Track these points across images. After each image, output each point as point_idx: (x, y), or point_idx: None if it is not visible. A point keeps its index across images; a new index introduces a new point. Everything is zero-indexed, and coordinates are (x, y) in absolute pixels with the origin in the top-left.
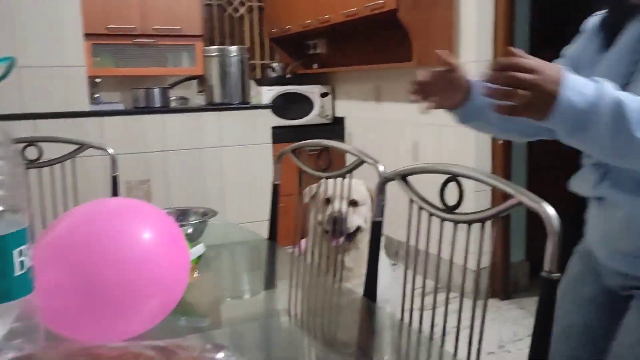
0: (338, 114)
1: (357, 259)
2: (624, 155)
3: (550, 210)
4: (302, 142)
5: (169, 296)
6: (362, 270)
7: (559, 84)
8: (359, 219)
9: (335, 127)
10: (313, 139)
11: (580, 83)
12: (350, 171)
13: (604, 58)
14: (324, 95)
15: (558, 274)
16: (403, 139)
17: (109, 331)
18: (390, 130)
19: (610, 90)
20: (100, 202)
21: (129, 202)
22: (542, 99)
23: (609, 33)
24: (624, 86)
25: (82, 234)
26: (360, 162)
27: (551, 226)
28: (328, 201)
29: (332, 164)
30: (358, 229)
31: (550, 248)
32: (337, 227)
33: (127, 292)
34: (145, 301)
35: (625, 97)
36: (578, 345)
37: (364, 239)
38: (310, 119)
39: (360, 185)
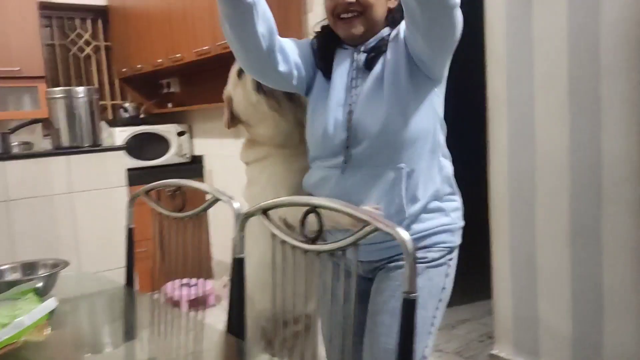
0: (197, 153)
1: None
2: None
3: (404, 235)
4: (154, 183)
5: None
6: None
7: None
8: None
9: (194, 166)
10: (172, 178)
11: None
12: (205, 209)
13: (329, 85)
14: (180, 134)
15: (416, 294)
16: None
17: None
18: None
19: None
20: None
21: None
22: None
23: (325, 65)
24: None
25: None
26: (216, 200)
27: (406, 249)
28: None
29: (190, 203)
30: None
31: (407, 270)
32: None
33: None
34: None
35: None
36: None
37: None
38: (168, 158)
39: None
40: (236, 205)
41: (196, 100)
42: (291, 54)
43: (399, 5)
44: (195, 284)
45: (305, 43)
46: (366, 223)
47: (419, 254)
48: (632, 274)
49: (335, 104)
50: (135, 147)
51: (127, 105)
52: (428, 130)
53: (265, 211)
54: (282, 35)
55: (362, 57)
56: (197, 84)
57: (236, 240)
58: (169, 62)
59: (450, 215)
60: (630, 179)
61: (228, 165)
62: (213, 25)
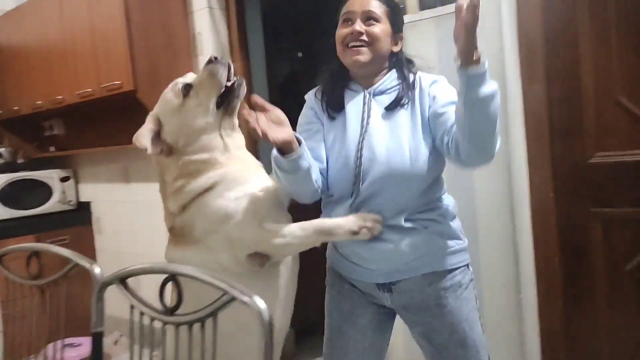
0: (83, 199)
1: None
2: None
3: (260, 304)
4: (7, 247)
5: None
6: None
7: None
8: None
9: (80, 213)
10: (56, 228)
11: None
12: (64, 276)
13: (336, 122)
14: (64, 179)
15: None
16: (158, 221)
17: None
18: (143, 211)
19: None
20: None
21: None
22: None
23: (334, 107)
24: (361, 140)
25: None
26: (75, 265)
27: (262, 320)
28: None
29: (47, 268)
30: None
31: (263, 344)
32: None
33: None
34: None
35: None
36: None
37: None
38: (51, 206)
39: None
40: (97, 270)
41: (82, 143)
42: (319, 156)
43: (401, 53)
44: (80, 344)
45: (309, 113)
46: (224, 292)
47: (447, 281)
48: (509, 306)
49: (351, 142)
50: (12, 195)
51: (2, 150)
52: (440, 171)
53: (123, 280)
54: (171, 72)
55: (377, 99)
56: (82, 126)
57: (94, 311)
58: (50, 105)
59: (461, 236)
60: (501, 218)
61: (117, 211)
62: (96, 67)
